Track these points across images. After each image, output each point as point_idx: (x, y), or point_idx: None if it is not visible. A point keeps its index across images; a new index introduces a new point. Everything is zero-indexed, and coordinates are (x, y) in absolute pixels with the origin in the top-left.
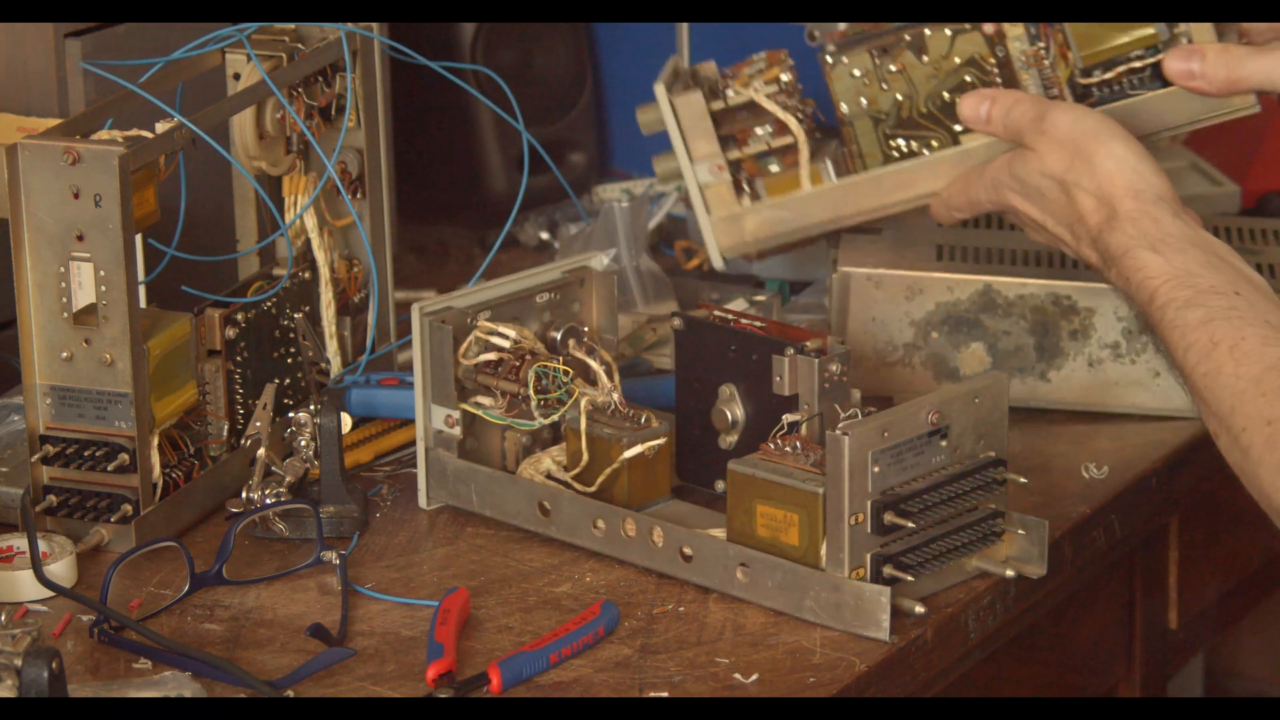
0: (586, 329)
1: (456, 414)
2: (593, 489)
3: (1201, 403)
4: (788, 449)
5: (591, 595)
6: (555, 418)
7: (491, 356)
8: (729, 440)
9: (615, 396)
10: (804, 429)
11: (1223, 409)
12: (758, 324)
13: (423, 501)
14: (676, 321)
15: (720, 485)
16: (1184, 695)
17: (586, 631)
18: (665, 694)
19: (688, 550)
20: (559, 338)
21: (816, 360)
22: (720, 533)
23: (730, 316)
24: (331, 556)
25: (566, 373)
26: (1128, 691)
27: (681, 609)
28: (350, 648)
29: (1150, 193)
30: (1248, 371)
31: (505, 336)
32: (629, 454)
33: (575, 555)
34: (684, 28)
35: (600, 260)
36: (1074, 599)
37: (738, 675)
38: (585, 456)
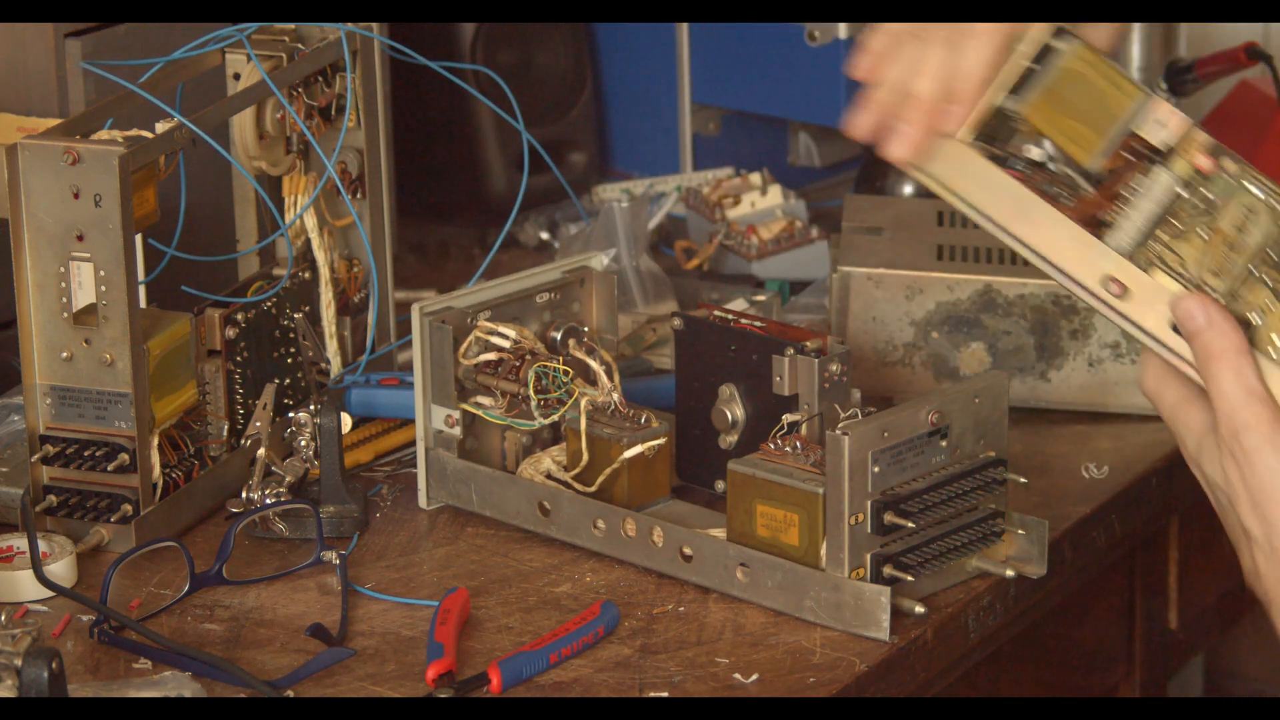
0: (586, 329)
1: (456, 414)
2: (593, 489)
3: None
4: (788, 449)
5: (591, 595)
6: (555, 418)
7: (491, 356)
8: (729, 440)
9: (615, 396)
10: (804, 429)
11: None
12: (758, 324)
13: (423, 502)
14: (676, 321)
15: (720, 485)
16: (1184, 695)
17: (586, 631)
18: (665, 694)
19: (688, 550)
20: (559, 338)
21: (816, 360)
22: (720, 533)
23: (730, 316)
24: (331, 556)
25: (566, 373)
26: (1128, 691)
27: (681, 609)
28: (350, 648)
29: None
30: None
31: (505, 336)
32: (629, 454)
33: (575, 555)
34: (684, 28)
35: (600, 260)
36: (1074, 599)
37: (738, 675)
38: (585, 456)
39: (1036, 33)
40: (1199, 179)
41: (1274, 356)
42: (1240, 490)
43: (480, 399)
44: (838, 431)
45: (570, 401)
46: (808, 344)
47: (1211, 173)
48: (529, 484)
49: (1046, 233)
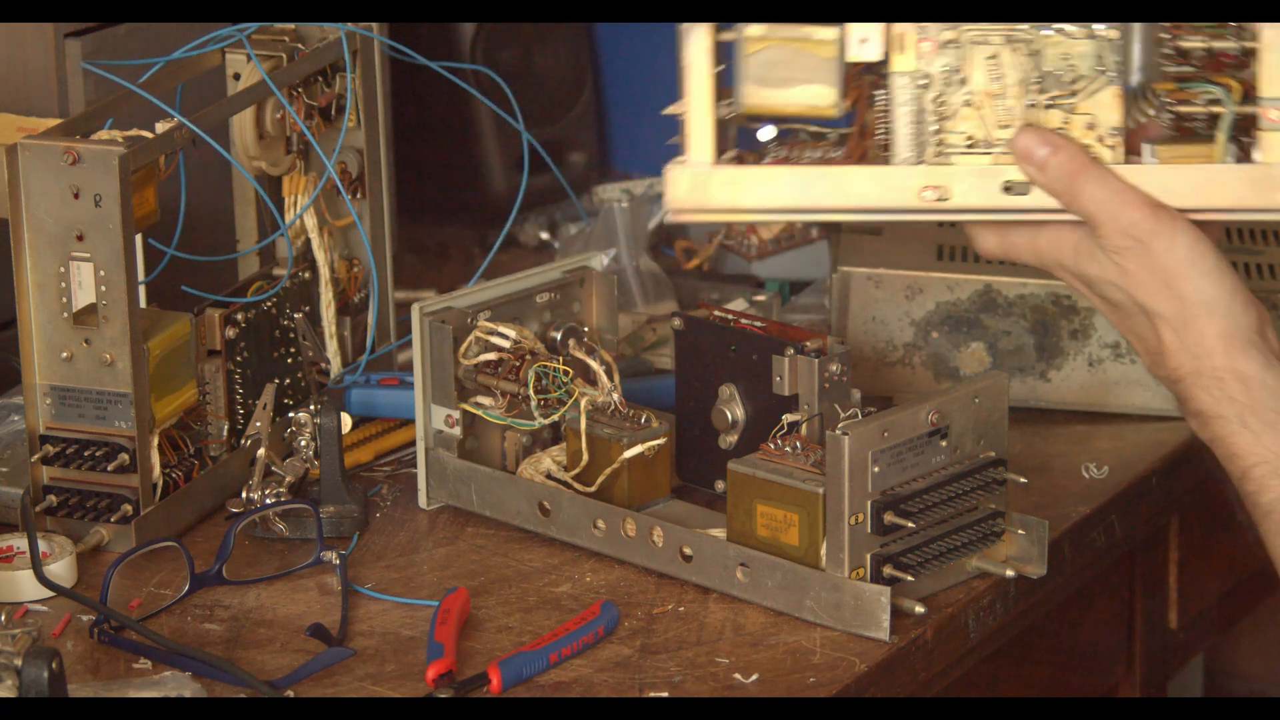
0: (586, 329)
1: (456, 414)
2: (593, 489)
3: None
4: (788, 449)
5: (591, 595)
6: (555, 418)
7: (491, 356)
8: (729, 440)
9: (615, 396)
10: (804, 429)
11: None
12: (758, 324)
13: (423, 502)
14: (676, 321)
15: (720, 485)
16: (1184, 695)
17: (586, 631)
18: (665, 694)
19: (688, 550)
20: (559, 338)
21: (816, 360)
22: (720, 533)
23: (730, 316)
24: (331, 556)
25: (566, 373)
26: (1128, 691)
27: (681, 609)
28: (350, 648)
29: (1241, 338)
30: None
31: (505, 336)
32: (629, 454)
33: (575, 555)
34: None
35: (600, 260)
36: (1074, 599)
37: (738, 675)
38: (585, 456)
39: (695, 36)
40: (929, 62)
41: (1107, 158)
42: (1145, 277)
43: (480, 399)
44: (838, 431)
45: (570, 401)
46: (808, 344)
47: (935, 51)
48: (529, 484)
49: (846, 189)
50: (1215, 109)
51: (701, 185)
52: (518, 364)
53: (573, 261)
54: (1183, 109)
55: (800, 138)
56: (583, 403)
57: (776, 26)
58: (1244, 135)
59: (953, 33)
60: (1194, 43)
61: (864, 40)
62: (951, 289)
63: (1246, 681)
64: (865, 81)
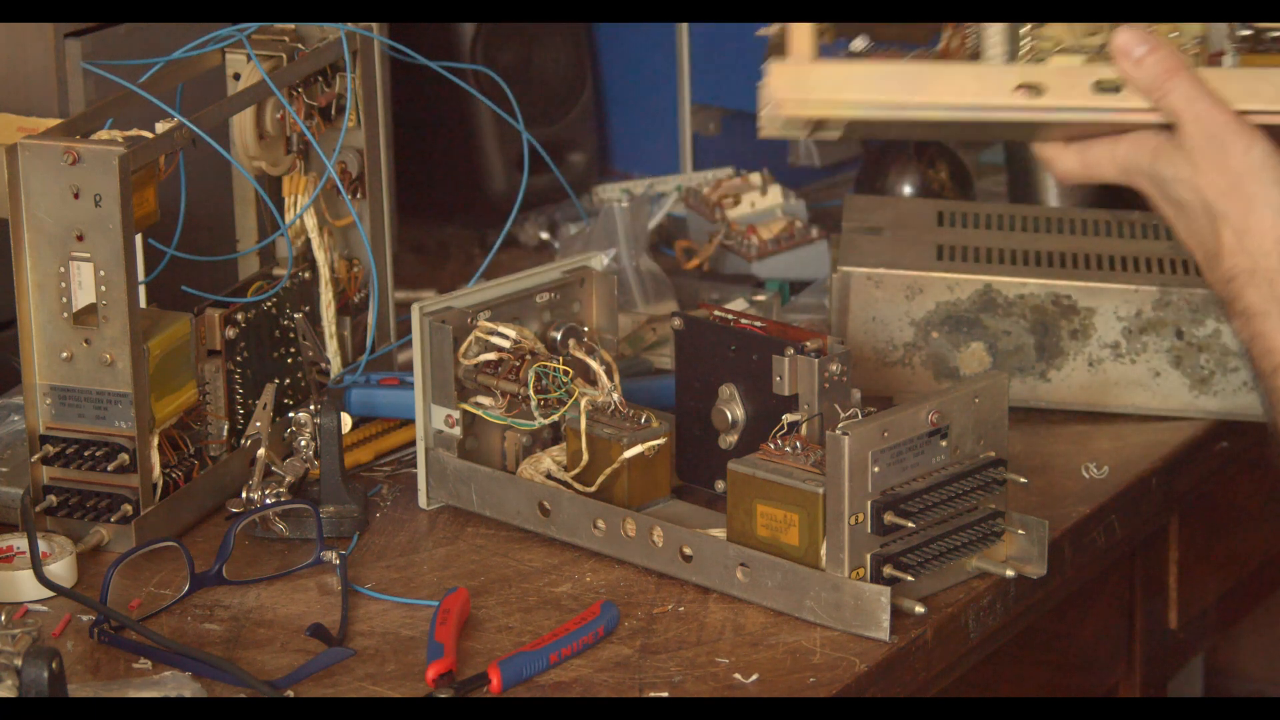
0: (586, 329)
1: (456, 414)
2: (593, 489)
3: None
4: (788, 449)
5: (591, 595)
6: (555, 418)
7: (491, 356)
8: (729, 440)
9: (615, 396)
10: (804, 429)
11: None
12: (758, 324)
13: (423, 502)
14: (676, 321)
15: (720, 485)
16: (1184, 695)
17: (586, 631)
18: (665, 694)
19: (688, 550)
20: (559, 338)
21: (816, 360)
22: (720, 533)
23: (730, 316)
24: (331, 556)
25: (566, 373)
26: (1128, 691)
27: (681, 609)
28: (350, 648)
29: None
30: None
31: (505, 336)
32: (629, 454)
33: (575, 555)
34: (684, 28)
35: (600, 260)
36: (1074, 599)
37: (738, 675)
38: (585, 456)
39: None
40: None
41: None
42: (1216, 177)
43: (480, 399)
44: (838, 431)
45: (570, 401)
46: (808, 344)
47: None
48: (529, 484)
49: (942, 87)
50: None
51: (802, 79)
52: (518, 364)
53: (573, 262)
54: (1264, 34)
55: (892, 48)
56: (583, 403)
57: None
58: None
59: None
60: None
61: None
62: (951, 289)
63: (1246, 681)
64: None
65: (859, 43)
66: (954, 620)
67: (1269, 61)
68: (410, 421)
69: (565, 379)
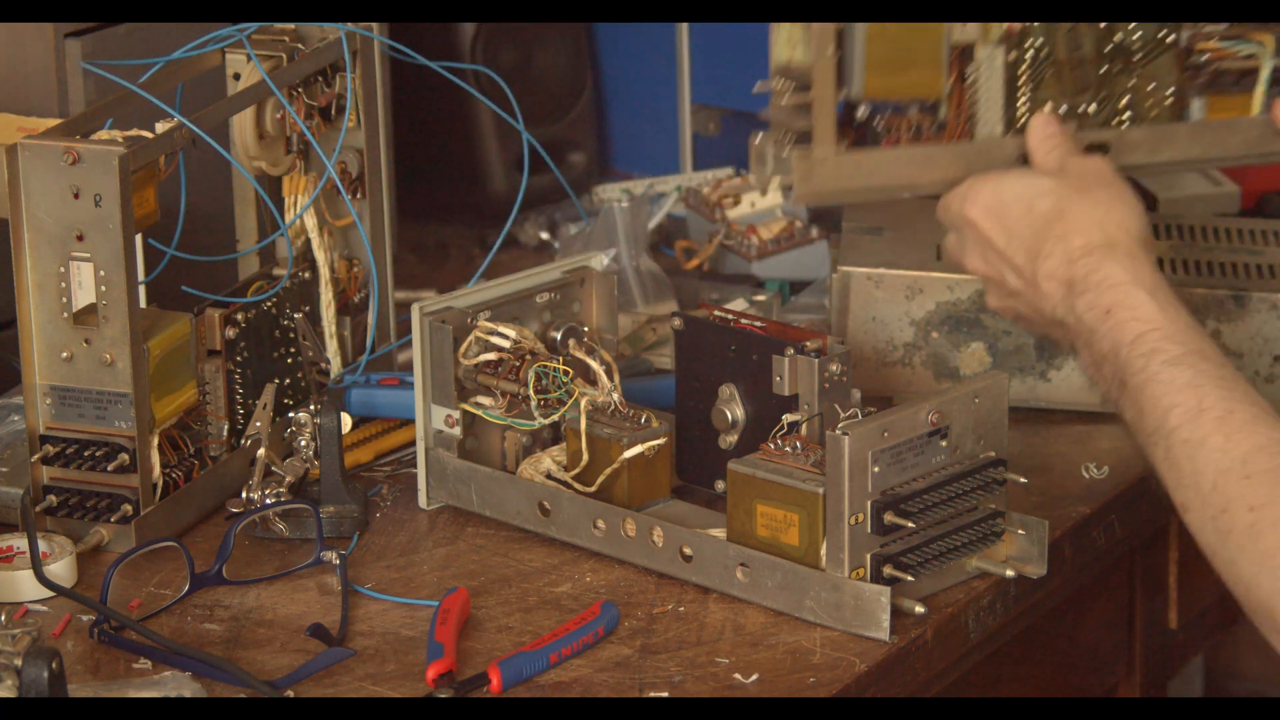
0: (586, 329)
1: (456, 414)
2: (593, 489)
3: (1172, 470)
4: (788, 449)
5: (591, 595)
6: (555, 418)
7: (491, 356)
8: (729, 440)
9: (615, 396)
10: (804, 429)
11: (1202, 483)
12: (758, 324)
13: (423, 502)
14: (676, 322)
15: (720, 485)
16: (1184, 695)
17: (586, 631)
18: (665, 694)
19: (688, 550)
20: (559, 338)
21: (816, 360)
22: (720, 533)
23: (730, 316)
24: (331, 556)
25: (566, 373)
26: (1128, 691)
27: (681, 609)
28: (350, 648)
29: (1150, 240)
30: (1235, 448)
31: (505, 336)
32: (629, 454)
33: (575, 555)
34: (684, 28)
35: (600, 260)
36: (1074, 599)
37: (738, 675)
38: (585, 456)
39: (819, 32)
40: (1016, 40)
41: (1149, 119)
42: (1074, 177)
43: (480, 399)
44: (838, 431)
45: (570, 401)
46: (808, 344)
47: (1021, 29)
48: (529, 484)
49: (946, 165)
50: (1252, 64)
51: (827, 173)
52: (518, 364)
53: (572, 262)
54: (1222, 65)
55: (905, 115)
56: (583, 403)
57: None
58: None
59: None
60: None
61: (962, 26)
62: (951, 289)
63: (1246, 681)
64: (958, 61)
65: (862, 110)
66: (954, 620)
67: (1229, 105)
68: (410, 421)
69: (565, 379)
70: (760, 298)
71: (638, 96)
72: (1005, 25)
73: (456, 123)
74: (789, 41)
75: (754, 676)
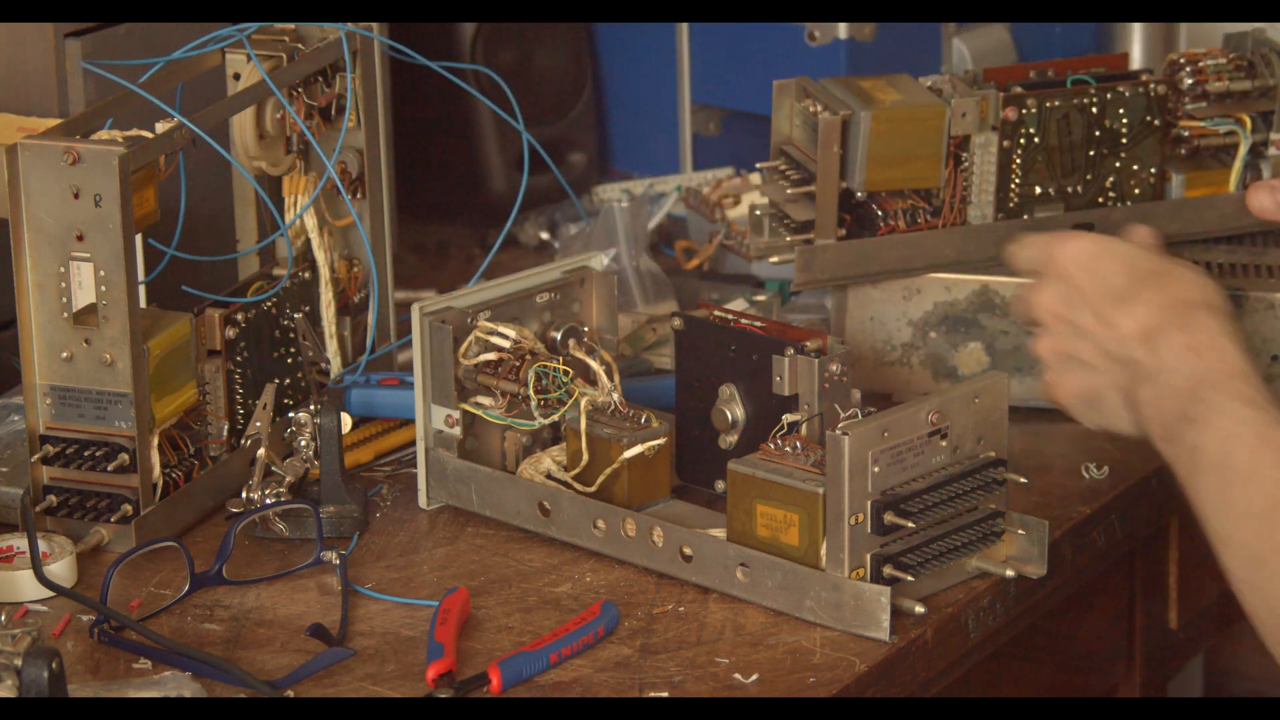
0: (586, 329)
1: (456, 414)
2: (593, 489)
3: (1223, 502)
4: (788, 449)
5: (591, 595)
6: (555, 418)
7: (491, 356)
8: (729, 440)
9: (615, 397)
10: (804, 429)
11: (1252, 511)
12: (758, 324)
13: (423, 502)
14: (676, 322)
15: (720, 485)
16: (1184, 695)
17: (586, 631)
18: (665, 694)
19: (688, 550)
20: (559, 338)
21: (816, 360)
22: (720, 533)
23: (730, 316)
24: (331, 556)
25: (566, 373)
26: (1128, 691)
27: (681, 609)
28: (350, 648)
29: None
30: None
31: (505, 336)
32: (629, 454)
33: (575, 555)
34: (684, 28)
35: (600, 260)
36: (1074, 599)
37: (738, 675)
38: (585, 456)
39: (825, 126)
40: (1010, 127)
41: (1133, 197)
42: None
43: (480, 399)
44: (838, 431)
45: (570, 401)
46: (808, 344)
47: (1017, 116)
48: (529, 484)
49: (937, 251)
50: (1231, 140)
51: (826, 261)
52: (518, 364)
53: (573, 261)
54: (1203, 142)
55: (902, 195)
56: (583, 403)
57: (896, 111)
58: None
59: (1032, 100)
60: (1216, 87)
61: (964, 113)
62: (949, 289)
63: (1246, 681)
64: (953, 148)
65: (860, 194)
66: (954, 620)
67: (1208, 179)
68: (410, 421)
69: (565, 379)
70: (760, 298)
71: (638, 96)
72: (1002, 113)
73: (456, 123)
74: (788, 117)
75: (754, 676)
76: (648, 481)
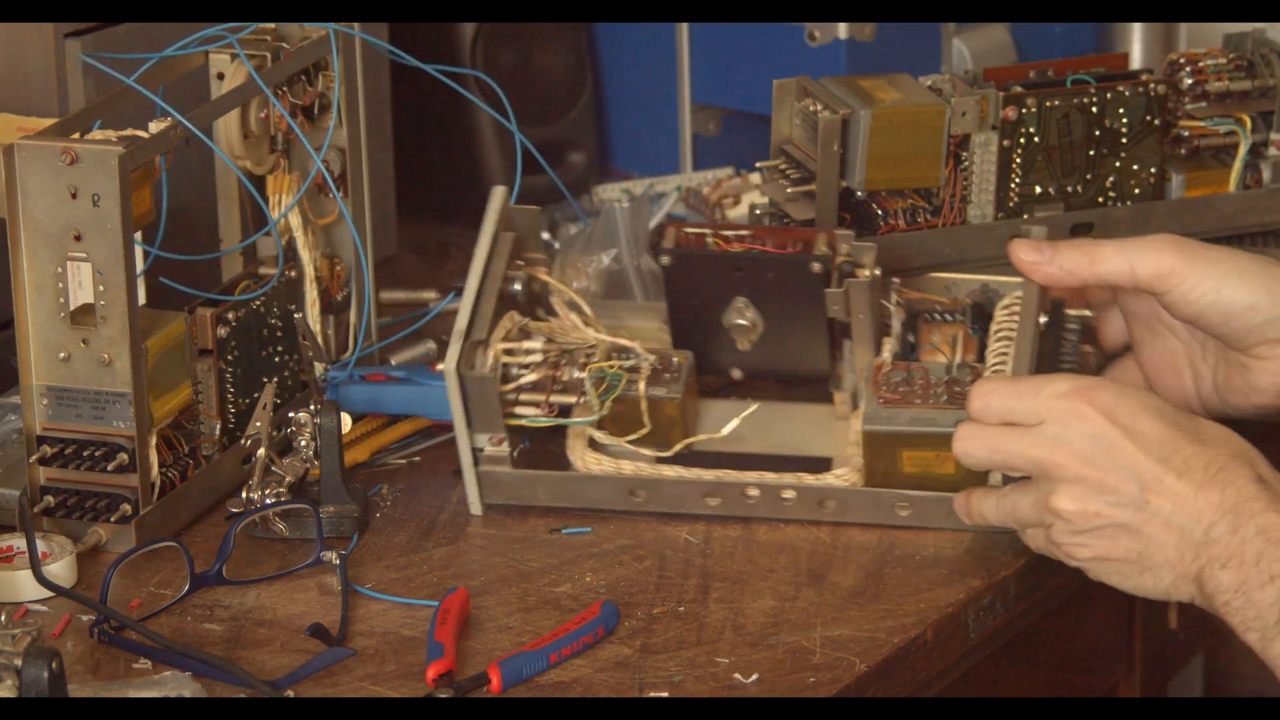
0: (548, 281)
1: (502, 434)
2: (669, 454)
3: None
4: (899, 385)
5: (591, 595)
6: (610, 401)
7: (532, 377)
8: (748, 341)
9: (605, 336)
10: (886, 353)
11: None
12: (744, 234)
13: (476, 509)
14: (664, 258)
15: (737, 372)
16: (1184, 695)
17: (586, 631)
18: (665, 694)
19: (830, 503)
20: (518, 289)
21: (869, 283)
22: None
23: (716, 240)
24: (331, 556)
25: (618, 369)
26: (1128, 691)
27: (681, 609)
28: (350, 648)
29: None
30: None
31: (533, 352)
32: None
33: (575, 555)
34: (684, 28)
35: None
36: (1074, 599)
37: (738, 675)
38: (647, 425)
39: (825, 126)
40: (1010, 127)
41: (1126, 204)
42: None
43: (519, 409)
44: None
45: (623, 382)
46: (822, 250)
47: (1017, 115)
48: (615, 479)
49: (937, 250)
50: (1231, 140)
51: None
52: (554, 372)
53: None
54: (1203, 142)
55: (902, 195)
56: (641, 386)
57: (896, 110)
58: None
59: (1033, 100)
60: (1216, 86)
61: (964, 111)
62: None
63: (1246, 681)
64: (953, 148)
65: (860, 193)
66: (954, 620)
67: (1208, 179)
68: (406, 417)
69: (619, 371)
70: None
71: (638, 96)
72: (1003, 113)
73: (456, 123)
74: (788, 117)
75: (754, 676)
76: (688, 413)
